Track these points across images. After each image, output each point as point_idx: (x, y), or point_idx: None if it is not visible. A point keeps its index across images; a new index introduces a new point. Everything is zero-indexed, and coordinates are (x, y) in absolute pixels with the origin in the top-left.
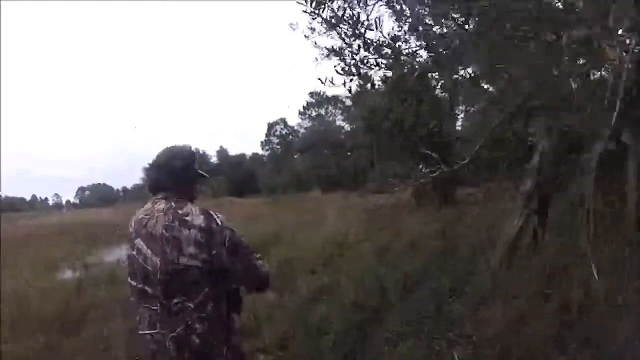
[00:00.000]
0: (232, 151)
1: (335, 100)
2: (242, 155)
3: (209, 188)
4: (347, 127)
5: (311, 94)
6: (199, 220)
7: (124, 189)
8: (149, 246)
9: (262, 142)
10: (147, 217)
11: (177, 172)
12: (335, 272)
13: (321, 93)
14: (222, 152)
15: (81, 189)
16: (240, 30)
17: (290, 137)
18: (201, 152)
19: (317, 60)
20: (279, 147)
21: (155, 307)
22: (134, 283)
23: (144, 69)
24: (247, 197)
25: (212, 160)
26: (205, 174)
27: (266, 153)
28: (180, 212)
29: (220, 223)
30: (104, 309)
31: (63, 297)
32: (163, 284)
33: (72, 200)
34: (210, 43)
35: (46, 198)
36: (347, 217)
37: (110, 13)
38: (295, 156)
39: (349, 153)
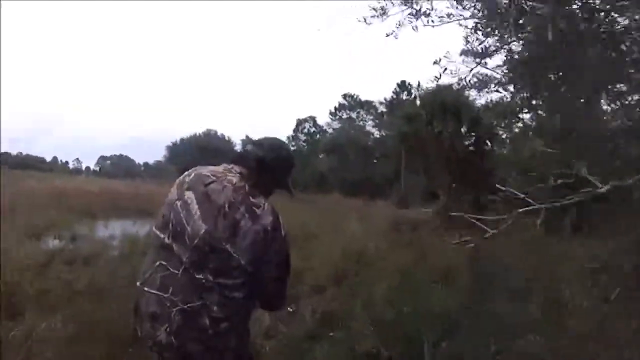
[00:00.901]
0: None
1: (368, 104)
2: None
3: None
4: (376, 133)
5: (344, 96)
6: (267, 219)
7: (145, 164)
8: (201, 207)
9: (288, 138)
10: (212, 177)
11: (274, 168)
12: (349, 296)
13: (354, 96)
14: (247, 142)
15: (102, 158)
16: (279, 24)
17: (318, 136)
18: (226, 138)
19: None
20: (305, 144)
21: (175, 271)
22: (160, 235)
23: (183, 51)
24: None
25: (235, 148)
26: (292, 191)
27: (292, 149)
28: (252, 199)
29: (284, 233)
30: (54, 297)
31: (23, 272)
32: (197, 252)
33: (92, 167)
34: (249, 33)
35: (67, 162)
36: (368, 228)
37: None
38: (321, 156)
39: (375, 161)
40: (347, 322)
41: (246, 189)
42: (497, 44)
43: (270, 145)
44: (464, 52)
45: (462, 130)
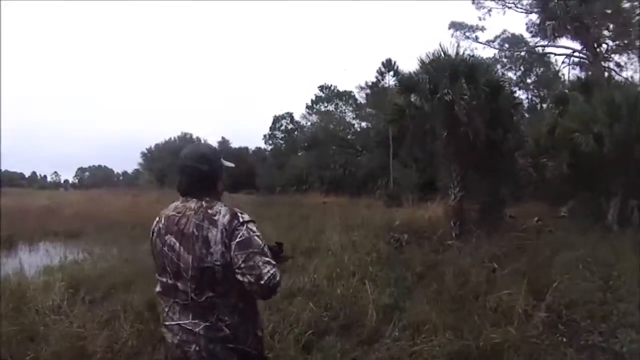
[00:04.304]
0: (236, 143)
1: (347, 95)
2: (245, 149)
3: None
4: (357, 125)
5: (321, 88)
6: (225, 219)
7: (124, 173)
8: (182, 244)
9: (265, 136)
10: (178, 215)
11: (206, 177)
12: None
13: (331, 87)
14: (224, 144)
15: (81, 170)
16: (251, 20)
17: (296, 132)
18: (202, 141)
19: None
20: (282, 142)
21: (185, 302)
22: (162, 279)
23: (151, 55)
24: (244, 193)
25: None
26: (230, 164)
27: (269, 148)
28: (209, 211)
29: (241, 220)
30: None
31: None
32: (194, 281)
33: (71, 180)
34: (218, 33)
35: (45, 176)
36: (357, 242)
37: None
38: (300, 154)
39: (358, 157)
40: None
41: (203, 205)
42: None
43: (193, 159)
44: (453, 26)
45: (481, 98)
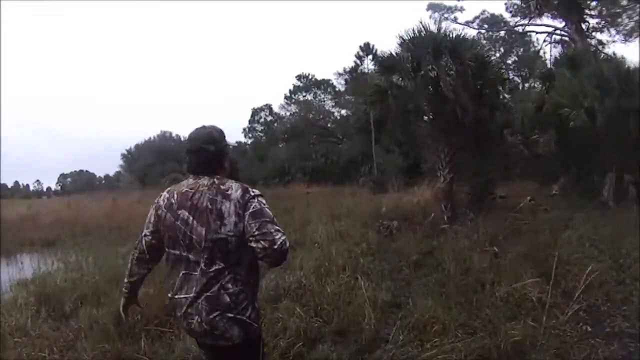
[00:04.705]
0: None
1: (325, 84)
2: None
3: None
4: (336, 113)
5: (299, 77)
6: (238, 193)
7: (106, 177)
8: (195, 217)
9: (244, 130)
10: (191, 190)
11: (214, 157)
12: None
13: (309, 76)
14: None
15: (62, 176)
16: (225, 16)
17: (275, 124)
18: (182, 138)
19: None
20: (262, 135)
21: (195, 273)
22: (175, 251)
23: (124, 53)
24: None
25: None
26: (234, 143)
27: (249, 141)
28: (222, 187)
29: (252, 194)
30: None
31: None
32: (207, 252)
33: (53, 187)
34: (189, 25)
35: (27, 185)
36: (344, 232)
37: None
38: (280, 145)
39: (339, 145)
40: None
41: (215, 182)
42: None
43: (203, 141)
44: (431, 7)
45: (467, 74)
